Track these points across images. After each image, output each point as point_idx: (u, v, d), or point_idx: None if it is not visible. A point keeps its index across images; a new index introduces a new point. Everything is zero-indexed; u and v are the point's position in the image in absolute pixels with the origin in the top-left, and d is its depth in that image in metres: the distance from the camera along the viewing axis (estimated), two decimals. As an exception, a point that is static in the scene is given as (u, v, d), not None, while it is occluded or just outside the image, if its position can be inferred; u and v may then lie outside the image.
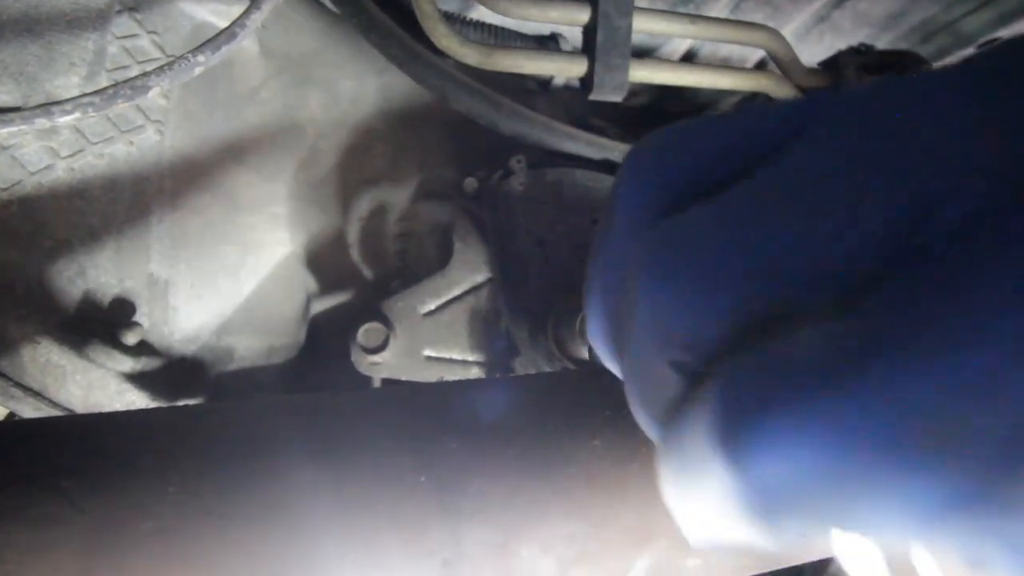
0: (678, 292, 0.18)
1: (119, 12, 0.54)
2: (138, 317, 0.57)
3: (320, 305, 0.71)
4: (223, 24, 0.48)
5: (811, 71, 0.74)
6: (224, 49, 0.45)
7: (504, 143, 0.63)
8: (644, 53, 0.77)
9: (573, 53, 0.64)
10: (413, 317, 0.62)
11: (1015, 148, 0.14)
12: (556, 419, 0.33)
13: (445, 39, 0.58)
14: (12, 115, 0.39)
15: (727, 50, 0.80)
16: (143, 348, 0.57)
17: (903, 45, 0.80)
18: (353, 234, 0.70)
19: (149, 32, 0.56)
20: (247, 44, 0.63)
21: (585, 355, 0.57)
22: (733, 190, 0.19)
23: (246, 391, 0.66)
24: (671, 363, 0.19)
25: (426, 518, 0.28)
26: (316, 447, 0.29)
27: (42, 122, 0.39)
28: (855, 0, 0.71)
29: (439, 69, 0.58)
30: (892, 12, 0.74)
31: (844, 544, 0.17)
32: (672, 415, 0.18)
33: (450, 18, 0.65)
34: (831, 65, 0.79)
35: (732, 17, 0.71)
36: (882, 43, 0.79)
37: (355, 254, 0.70)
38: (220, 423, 0.30)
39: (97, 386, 0.55)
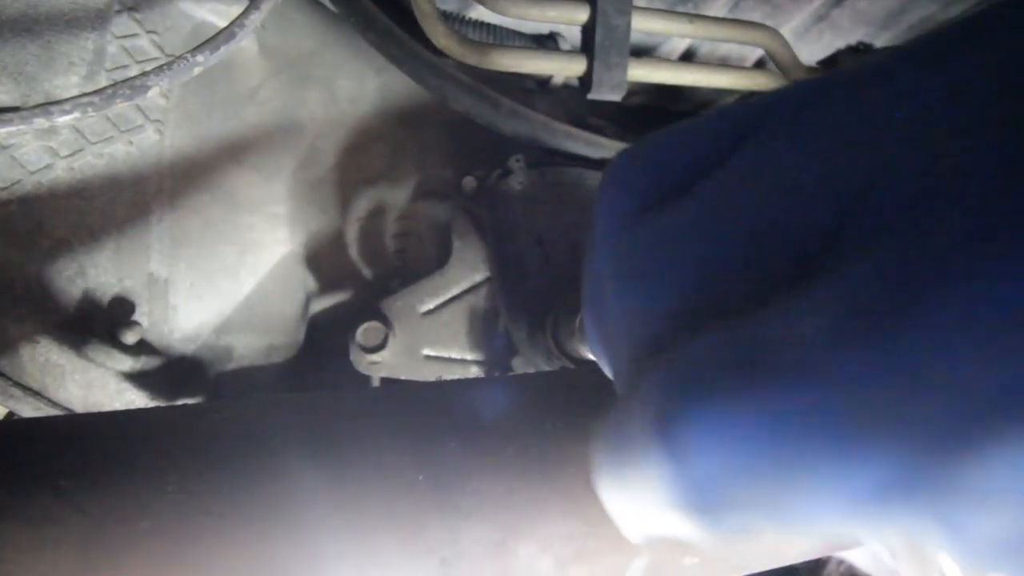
0: (634, 295, 0.19)
1: (118, 12, 0.55)
2: (138, 316, 0.58)
3: (319, 304, 0.71)
4: (222, 24, 0.48)
5: (810, 70, 0.74)
6: (223, 49, 0.45)
7: (503, 142, 0.63)
8: (643, 52, 0.77)
9: (572, 52, 0.64)
10: (412, 316, 0.62)
11: (948, 140, 0.15)
12: (555, 418, 0.33)
13: (444, 38, 0.58)
14: (11, 115, 0.39)
15: (726, 49, 0.80)
16: (142, 347, 0.57)
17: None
18: (352, 233, 0.70)
19: (148, 32, 0.56)
20: (246, 44, 0.63)
21: (584, 354, 0.57)
22: (682, 197, 0.19)
23: (245, 390, 0.66)
24: (629, 359, 0.19)
25: (424, 516, 0.28)
26: (314, 446, 0.29)
27: (41, 122, 0.39)
28: (854, -1, 0.71)
29: (438, 68, 0.58)
30: (891, 10, 0.74)
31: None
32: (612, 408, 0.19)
33: (449, 17, 0.65)
34: (830, 64, 0.79)
35: (731, 16, 0.71)
36: (881, 41, 0.79)
37: (354, 253, 0.70)
38: (218, 422, 0.30)
39: (96, 385, 0.55)
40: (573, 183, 0.63)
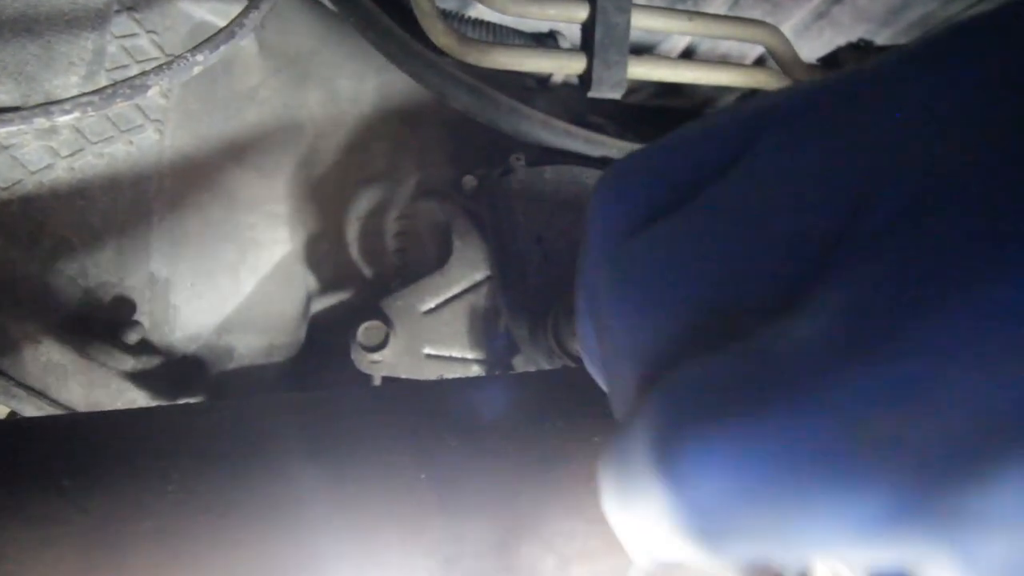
0: (636, 310, 0.18)
1: (118, 12, 0.54)
2: (139, 316, 0.58)
3: (320, 303, 0.71)
4: (222, 23, 0.48)
5: (811, 67, 0.74)
6: (223, 48, 0.45)
7: (503, 141, 0.63)
8: (643, 50, 0.77)
9: (571, 50, 0.63)
10: (413, 315, 0.62)
11: (948, 141, 0.14)
12: (556, 416, 0.33)
13: (443, 37, 0.58)
14: (11, 115, 0.39)
15: (726, 47, 0.79)
16: (144, 347, 0.57)
17: (903, 40, 0.79)
18: (352, 232, 0.70)
19: (148, 31, 0.56)
20: (246, 43, 0.62)
21: (585, 352, 0.57)
22: (682, 208, 0.19)
23: (246, 390, 0.66)
24: (632, 377, 0.19)
25: (426, 515, 0.28)
26: (316, 445, 0.29)
27: (41, 121, 0.39)
28: (854, -4, 0.71)
29: (437, 67, 0.58)
30: (892, 7, 0.74)
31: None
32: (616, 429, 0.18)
33: (448, 16, 0.65)
34: (831, 61, 0.79)
35: (731, 13, 0.70)
36: (882, 39, 0.79)
37: (354, 252, 0.70)
38: (220, 421, 0.30)
39: (98, 385, 0.55)
40: (573, 181, 0.63)
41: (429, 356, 0.62)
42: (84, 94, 0.41)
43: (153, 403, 0.58)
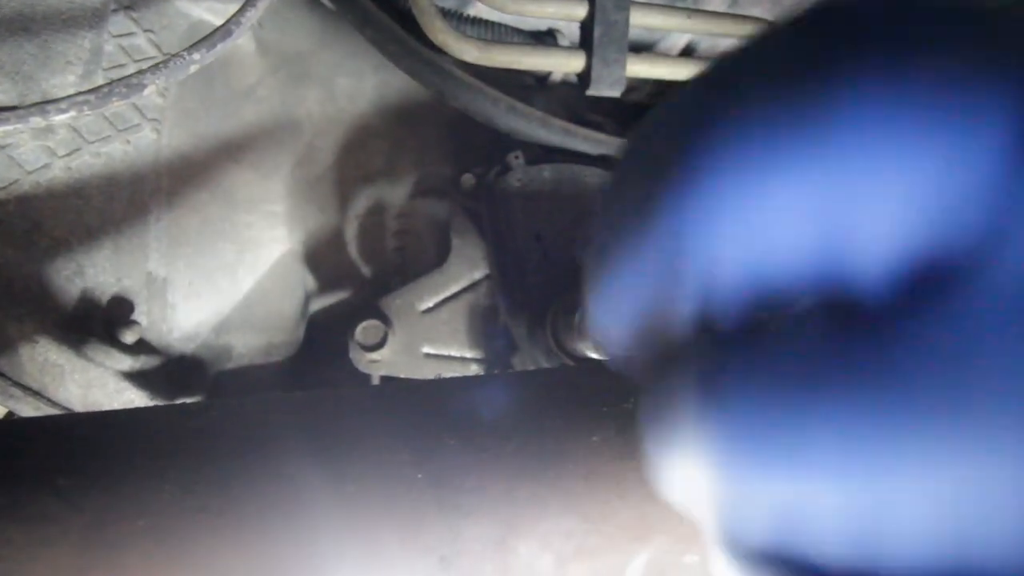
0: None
1: (115, 11, 0.54)
2: (136, 315, 0.57)
3: (318, 303, 0.71)
4: (219, 22, 0.48)
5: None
6: (220, 46, 0.45)
7: (501, 139, 0.63)
8: (643, 48, 0.77)
9: (570, 48, 0.63)
10: (411, 314, 0.62)
11: None
12: (554, 415, 0.33)
13: (442, 35, 0.58)
14: (7, 113, 0.39)
15: (726, 45, 0.79)
16: (142, 347, 0.57)
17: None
18: (351, 231, 0.70)
19: (145, 30, 0.56)
20: (244, 42, 0.62)
21: (584, 351, 0.57)
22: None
23: (245, 389, 0.66)
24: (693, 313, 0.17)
25: (423, 514, 0.28)
26: (313, 444, 0.29)
27: (37, 120, 0.39)
28: (854, -6, 0.71)
29: (436, 65, 0.58)
30: (891, 5, 0.74)
31: None
32: (667, 360, 0.17)
33: (447, 14, 0.65)
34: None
35: (730, 11, 0.70)
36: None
37: (353, 251, 0.70)
38: (217, 421, 0.30)
39: (96, 385, 0.55)
40: (572, 180, 0.63)
41: (428, 355, 0.62)
42: (80, 93, 0.41)
43: (151, 403, 0.58)
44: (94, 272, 0.55)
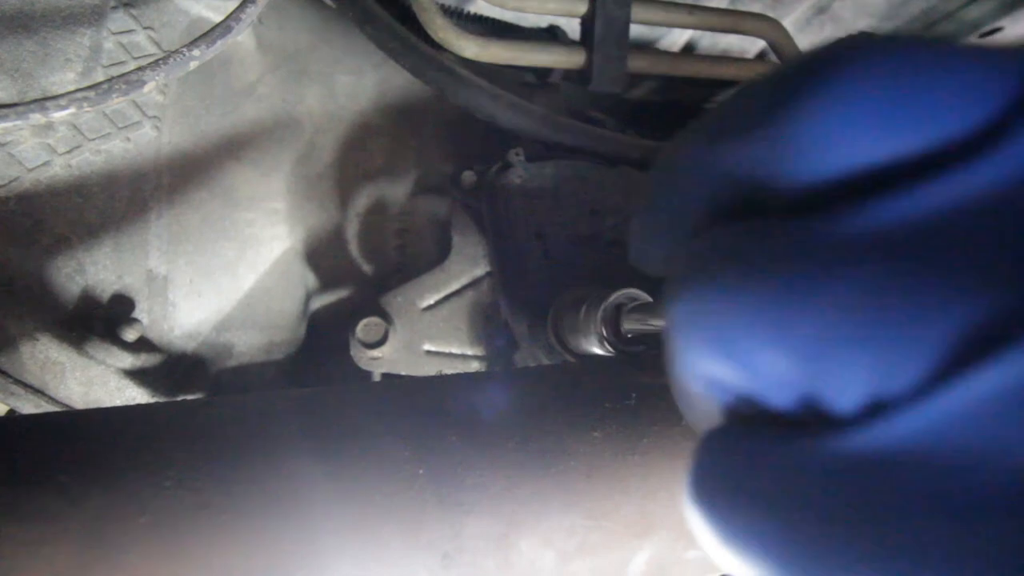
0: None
1: (115, 8, 0.54)
2: (137, 313, 0.57)
3: (319, 300, 0.70)
4: (219, 19, 0.47)
5: (811, 61, 0.74)
6: (219, 43, 0.45)
7: (502, 137, 0.63)
8: (644, 45, 0.76)
9: (571, 45, 0.63)
10: (412, 312, 0.62)
11: None
12: (555, 412, 0.33)
13: (442, 31, 0.57)
14: (6, 110, 0.39)
15: (727, 41, 0.79)
16: (143, 344, 0.57)
17: (904, 35, 0.79)
18: (351, 229, 0.70)
19: (145, 28, 0.56)
20: (244, 39, 0.62)
21: (585, 348, 0.56)
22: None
23: (246, 387, 0.66)
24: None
25: (425, 510, 0.28)
26: (314, 441, 0.29)
27: (37, 117, 0.39)
28: (855, -11, 0.70)
29: (436, 62, 0.58)
30: (893, 1, 0.73)
31: None
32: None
33: (448, 12, 0.65)
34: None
35: (732, 7, 0.70)
36: (883, 33, 0.79)
37: (354, 249, 0.70)
38: (217, 417, 0.30)
39: (97, 383, 0.55)
40: (573, 177, 0.63)
41: (428, 352, 0.62)
42: (80, 89, 0.41)
43: (152, 401, 0.58)
44: (95, 270, 0.55)
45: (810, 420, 0.15)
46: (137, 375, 0.57)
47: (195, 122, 0.61)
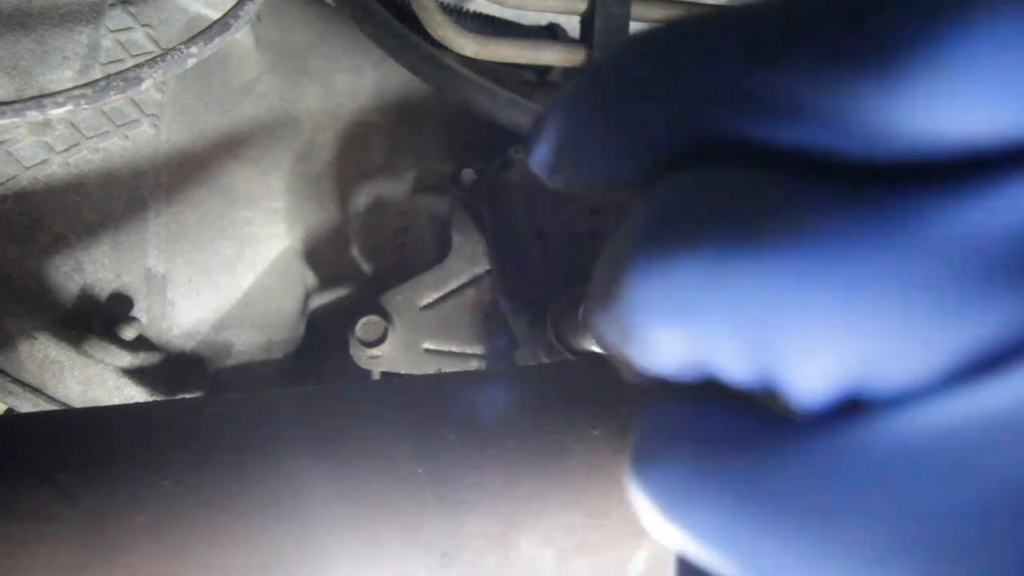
0: None
1: (112, 5, 0.54)
2: (136, 312, 0.57)
3: (319, 299, 0.70)
4: (217, 16, 0.47)
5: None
6: (217, 40, 0.45)
7: (502, 135, 0.62)
8: (643, 43, 0.76)
9: (571, 43, 0.63)
10: (412, 310, 0.62)
11: None
12: (555, 410, 0.33)
13: (442, 29, 0.57)
14: (3, 108, 0.39)
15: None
16: (141, 343, 0.57)
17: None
18: (351, 228, 0.70)
19: (143, 25, 0.56)
20: (242, 37, 0.62)
21: (585, 347, 0.56)
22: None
23: (245, 386, 0.65)
24: None
25: (424, 510, 0.28)
26: (313, 439, 0.29)
27: (34, 115, 0.39)
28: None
29: (436, 59, 0.58)
30: None
31: None
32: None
33: (447, 10, 0.65)
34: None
35: (731, 5, 0.70)
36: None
37: (353, 248, 0.70)
38: (217, 416, 0.29)
39: (95, 381, 0.55)
40: (573, 175, 0.63)
41: (428, 351, 0.62)
42: (78, 87, 0.41)
43: (151, 399, 0.58)
44: (93, 268, 0.55)
45: (768, 400, 0.13)
46: (136, 374, 0.57)
47: (193, 120, 0.60)
